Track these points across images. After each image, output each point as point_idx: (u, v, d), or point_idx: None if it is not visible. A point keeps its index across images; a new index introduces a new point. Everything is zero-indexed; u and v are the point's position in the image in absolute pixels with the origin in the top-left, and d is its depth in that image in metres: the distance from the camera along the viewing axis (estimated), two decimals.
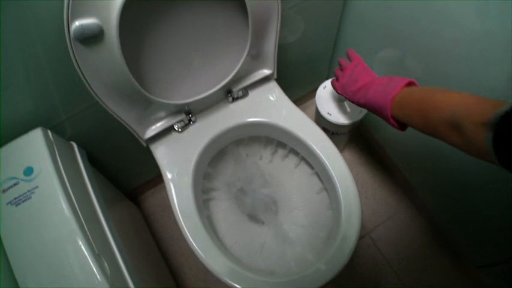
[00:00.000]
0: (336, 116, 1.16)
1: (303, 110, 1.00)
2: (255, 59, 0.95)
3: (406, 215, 1.47)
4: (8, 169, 0.75)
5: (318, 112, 1.26)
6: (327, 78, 1.57)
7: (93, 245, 0.71)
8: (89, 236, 0.72)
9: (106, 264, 0.72)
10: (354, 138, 1.62)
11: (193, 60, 0.85)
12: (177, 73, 0.85)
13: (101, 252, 0.72)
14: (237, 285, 0.80)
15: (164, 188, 1.51)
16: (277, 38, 0.91)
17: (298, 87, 1.51)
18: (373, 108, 0.77)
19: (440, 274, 1.37)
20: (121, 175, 1.27)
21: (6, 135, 0.79)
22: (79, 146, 0.92)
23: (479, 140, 0.46)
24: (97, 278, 0.68)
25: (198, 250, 0.83)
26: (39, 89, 0.79)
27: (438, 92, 0.64)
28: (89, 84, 0.71)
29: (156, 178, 1.49)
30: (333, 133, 1.26)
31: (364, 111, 1.24)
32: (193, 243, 0.84)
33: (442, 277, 1.37)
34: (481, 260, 1.26)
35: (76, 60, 0.66)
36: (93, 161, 0.98)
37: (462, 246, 1.32)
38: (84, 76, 0.69)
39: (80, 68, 0.68)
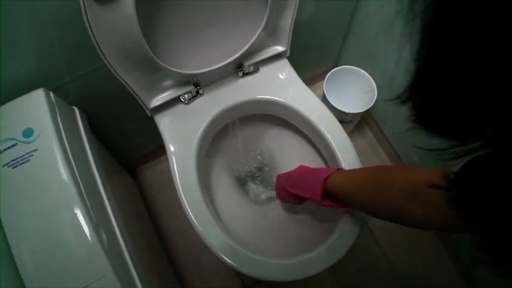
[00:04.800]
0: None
1: None
2: (270, 34, 0.92)
3: None
4: (7, 129, 0.72)
5: (324, 97, 1.24)
6: (336, 62, 1.55)
7: (92, 214, 0.68)
8: (88, 204, 0.69)
9: (104, 234, 0.69)
10: (358, 129, 1.59)
11: (207, 30, 0.82)
12: (189, 42, 0.82)
13: (99, 222, 0.69)
14: (234, 263, 0.78)
15: (162, 162, 1.52)
16: (295, 15, 0.88)
17: (306, 68, 1.48)
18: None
19: (435, 268, 1.36)
20: (120, 145, 1.24)
21: (6, 93, 0.75)
22: (81, 111, 0.89)
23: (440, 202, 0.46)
24: (94, 248, 0.65)
25: (198, 225, 0.81)
26: (43, 48, 0.75)
27: (381, 169, 0.70)
28: (98, 45, 0.68)
29: (156, 151, 1.46)
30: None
31: (371, 102, 1.22)
32: (193, 218, 0.82)
33: (438, 271, 1.36)
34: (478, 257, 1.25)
35: (87, 18, 0.63)
36: (93, 128, 0.95)
37: (460, 241, 1.31)
38: (94, 36, 0.66)
39: (90, 27, 0.64)
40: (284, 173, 0.93)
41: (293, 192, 0.84)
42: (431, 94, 0.28)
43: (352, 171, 0.75)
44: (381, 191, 0.63)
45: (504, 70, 0.22)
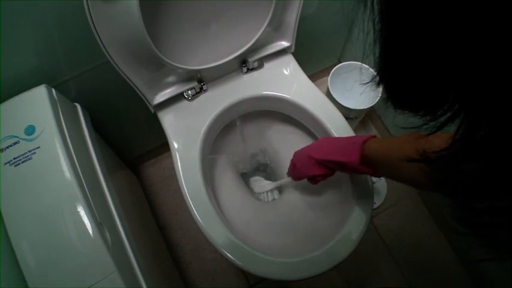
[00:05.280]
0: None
1: None
2: (275, 29, 0.91)
3: (409, 204, 1.45)
4: (8, 126, 0.70)
5: (329, 93, 1.22)
6: (340, 58, 1.53)
7: (95, 212, 0.67)
8: (91, 203, 0.68)
9: (108, 233, 0.68)
10: (363, 125, 1.58)
11: (212, 26, 0.81)
12: (193, 37, 0.81)
13: (102, 221, 0.68)
14: (238, 261, 0.77)
15: (165, 159, 1.51)
16: (300, 9, 0.87)
17: (310, 64, 1.47)
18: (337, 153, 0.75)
19: (441, 264, 1.35)
20: (123, 142, 1.23)
21: (8, 90, 0.74)
22: (83, 108, 0.88)
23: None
24: (98, 247, 0.64)
25: (201, 222, 0.80)
26: (45, 44, 0.74)
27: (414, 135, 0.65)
28: (101, 42, 0.67)
29: (159, 148, 1.45)
30: None
31: (376, 99, 1.20)
32: (197, 215, 0.80)
33: (442, 268, 1.35)
34: (482, 253, 1.24)
35: (91, 14, 0.62)
36: (96, 125, 0.94)
37: (464, 238, 1.30)
38: (97, 32, 0.65)
39: (93, 23, 0.63)
40: (303, 147, 0.86)
41: (322, 158, 0.77)
42: (394, 75, 0.30)
43: (390, 138, 0.70)
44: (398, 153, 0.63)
45: (455, 47, 0.23)
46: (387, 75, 0.30)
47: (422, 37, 0.25)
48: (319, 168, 0.79)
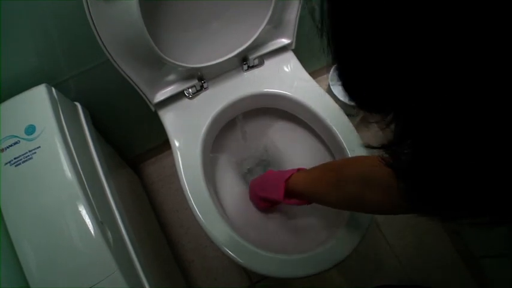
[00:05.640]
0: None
1: None
2: (275, 27, 0.91)
3: None
4: (8, 126, 0.70)
5: (330, 90, 1.22)
6: None
7: (96, 212, 0.67)
8: (92, 202, 0.68)
9: (109, 232, 0.68)
10: (364, 121, 1.57)
11: (212, 24, 0.81)
12: (193, 35, 0.80)
13: (103, 220, 0.68)
14: (239, 258, 0.77)
15: (166, 157, 1.50)
16: (300, 7, 0.86)
17: (311, 61, 1.46)
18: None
19: (443, 262, 1.35)
20: (124, 141, 1.23)
21: (7, 90, 0.74)
22: (83, 107, 0.87)
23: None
24: (100, 247, 0.64)
25: (203, 220, 0.80)
26: (45, 43, 0.74)
27: (337, 162, 0.77)
28: (101, 40, 0.66)
29: (159, 146, 1.45)
30: None
31: None
32: (198, 213, 0.80)
33: (446, 265, 1.35)
34: (484, 250, 1.24)
35: (90, 13, 0.62)
36: (96, 124, 0.94)
37: (467, 235, 1.30)
38: (97, 31, 0.65)
39: (93, 22, 0.63)
40: (255, 178, 0.95)
41: (261, 195, 0.88)
42: (342, 72, 0.32)
43: (312, 169, 0.77)
44: (338, 184, 0.67)
45: (396, 51, 0.24)
46: (339, 73, 0.33)
47: (357, 47, 0.28)
48: (264, 203, 0.91)
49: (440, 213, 0.36)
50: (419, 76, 0.24)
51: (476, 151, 0.25)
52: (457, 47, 0.21)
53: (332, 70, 1.24)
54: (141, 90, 0.82)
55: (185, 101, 0.92)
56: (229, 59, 0.87)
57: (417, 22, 0.22)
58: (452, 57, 0.22)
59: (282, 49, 0.98)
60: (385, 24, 0.24)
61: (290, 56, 1.00)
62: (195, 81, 0.90)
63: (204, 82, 0.92)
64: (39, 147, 0.68)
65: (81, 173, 0.69)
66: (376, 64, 0.27)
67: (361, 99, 0.33)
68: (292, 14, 0.88)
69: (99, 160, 0.81)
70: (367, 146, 0.48)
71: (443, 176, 0.30)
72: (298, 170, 0.80)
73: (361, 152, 0.86)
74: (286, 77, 0.96)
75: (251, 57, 0.93)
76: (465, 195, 0.30)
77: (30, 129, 0.69)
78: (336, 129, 0.89)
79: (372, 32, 0.25)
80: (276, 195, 0.79)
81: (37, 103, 0.72)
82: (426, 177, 0.32)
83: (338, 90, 1.20)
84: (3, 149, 0.68)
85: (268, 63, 0.98)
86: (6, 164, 0.67)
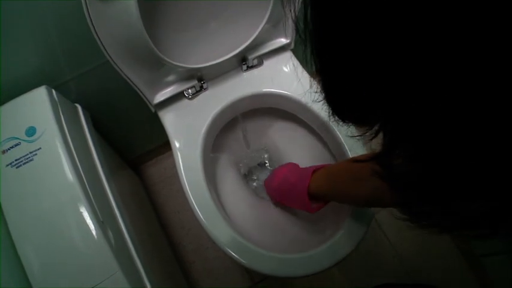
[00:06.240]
0: None
1: None
2: (274, 26, 0.91)
3: None
4: (9, 128, 0.70)
5: None
6: None
7: (98, 212, 0.67)
8: (93, 203, 0.68)
9: (110, 233, 0.68)
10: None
11: (211, 24, 0.81)
12: (192, 36, 0.81)
13: (105, 220, 0.68)
14: (241, 258, 0.77)
15: (166, 158, 1.51)
16: (299, 6, 0.86)
17: (308, 60, 1.46)
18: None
19: (444, 261, 1.35)
20: (124, 142, 1.23)
21: (8, 92, 0.74)
22: (83, 108, 0.88)
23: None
24: (101, 247, 0.64)
25: (204, 221, 0.80)
26: (45, 45, 0.74)
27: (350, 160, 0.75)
28: (101, 42, 0.67)
29: (160, 147, 1.45)
30: None
31: None
32: (199, 214, 0.80)
33: (445, 264, 1.35)
34: (484, 248, 1.25)
35: (89, 14, 0.62)
36: (97, 125, 0.94)
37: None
38: (96, 33, 0.65)
39: (92, 24, 0.63)
40: (269, 183, 0.93)
41: (284, 203, 0.89)
42: (324, 86, 0.33)
43: (326, 170, 0.76)
44: (355, 180, 0.67)
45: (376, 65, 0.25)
46: (323, 88, 0.33)
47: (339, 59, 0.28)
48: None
49: (436, 224, 0.35)
50: (407, 82, 0.24)
51: (470, 155, 0.25)
52: (442, 55, 0.21)
53: None
54: (140, 91, 0.83)
55: (185, 101, 0.92)
56: (229, 59, 0.87)
57: (402, 28, 0.22)
58: (440, 64, 0.22)
59: (281, 49, 0.99)
60: (370, 31, 0.24)
61: (289, 55, 1.00)
62: (194, 82, 0.90)
63: (204, 83, 0.92)
64: (40, 148, 0.69)
65: (82, 174, 0.70)
66: (362, 72, 0.27)
67: (347, 113, 0.33)
68: (291, 14, 0.88)
69: (100, 161, 0.81)
70: (356, 160, 0.49)
71: (435, 185, 0.30)
72: (314, 171, 0.77)
73: (361, 151, 0.86)
74: (286, 76, 0.97)
75: (250, 57, 0.94)
76: (461, 205, 0.30)
77: (31, 131, 0.70)
78: (335, 128, 0.89)
79: (356, 39, 0.25)
80: (305, 209, 0.79)
81: (37, 105, 0.73)
82: (419, 188, 0.32)
83: None
84: (4, 150, 0.68)
85: (268, 63, 0.98)
86: (8, 165, 0.67)
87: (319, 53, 0.30)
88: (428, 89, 0.23)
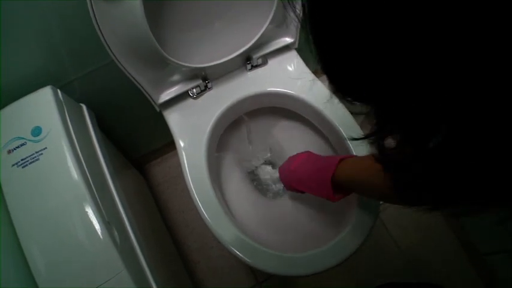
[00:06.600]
0: None
1: None
2: (278, 26, 0.91)
3: None
4: (15, 128, 0.71)
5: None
6: None
7: (103, 212, 0.68)
8: (99, 202, 0.68)
9: (116, 232, 0.68)
10: (368, 119, 1.57)
11: (215, 23, 0.81)
12: (196, 35, 0.81)
13: (110, 220, 0.69)
14: (245, 257, 0.77)
15: (171, 157, 1.51)
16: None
17: (314, 59, 1.46)
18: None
19: (448, 258, 1.35)
20: (129, 142, 1.24)
21: (13, 92, 0.74)
22: (88, 108, 0.88)
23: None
24: (107, 247, 0.64)
25: (209, 220, 0.80)
26: (50, 45, 0.74)
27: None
28: (106, 42, 0.67)
29: (165, 147, 1.46)
30: None
31: None
32: (204, 213, 0.80)
33: (450, 261, 1.35)
34: (488, 247, 1.25)
35: (94, 14, 0.62)
36: (101, 125, 0.94)
37: (471, 232, 1.29)
38: (101, 33, 0.65)
39: (97, 24, 0.64)
40: (286, 167, 0.89)
41: (304, 191, 0.83)
42: (326, 68, 0.33)
43: (353, 161, 0.73)
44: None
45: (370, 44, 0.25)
46: (322, 65, 0.33)
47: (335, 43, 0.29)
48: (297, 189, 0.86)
49: (427, 203, 0.36)
50: (402, 67, 0.24)
51: (462, 140, 0.26)
52: (436, 43, 0.22)
53: None
54: (145, 91, 0.83)
55: (190, 101, 0.93)
56: (233, 58, 0.87)
57: (397, 18, 0.22)
58: (433, 51, 0.22)
59: (286, 48, 0.99)
60: (366, 19, 0.24)
61: (293, 55, 1.00)
62: (199, 81, 0.91)
63: (208, 82, 0.92)
64: (46, 148, 0.69)
65: (88, 174, 0.70)
66: (357, 59, 0.28)
67: (343, 88, 0.34)
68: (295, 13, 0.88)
69: (105, 161, 0.82)
70: (351, 139, 0.48)
71: (428, 165, 0.31)
72: (341, 160, 0.74)
73: (365, 150, 0.86)
74: (290, 76, 0.97)
75: (255, 56, 0.94)
76: (452, 184, 0.31)
77: (37, 131, 0.70)
78: (340, 128, 0.89)
79: (353, 27, 0.26)
80: (326, 196, 0.74)
81: (43, 105, 0.73)
82: (411, 169, 0.33)
83: None
84: (10, 150, 0.68)
85: (272, 62, 0.98)
86: (13, 165, 0.67)
87: (317, 41, 0.31)
88: (419, 81, 0.24)
